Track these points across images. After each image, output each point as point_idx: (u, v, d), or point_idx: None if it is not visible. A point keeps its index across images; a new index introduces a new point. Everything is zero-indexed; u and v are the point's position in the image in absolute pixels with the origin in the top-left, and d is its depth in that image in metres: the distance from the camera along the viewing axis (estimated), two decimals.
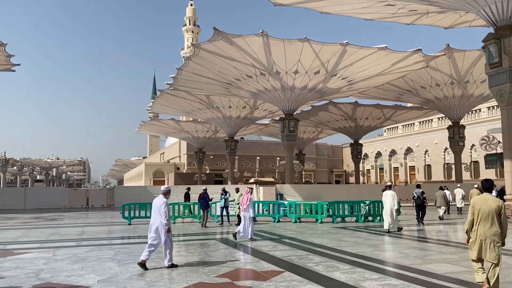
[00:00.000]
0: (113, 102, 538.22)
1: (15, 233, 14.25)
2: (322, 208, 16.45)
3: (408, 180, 60.54)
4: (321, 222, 16.18)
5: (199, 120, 53.04)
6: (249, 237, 11.62)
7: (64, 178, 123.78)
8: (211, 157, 64.23)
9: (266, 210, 17.82)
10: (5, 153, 72.42)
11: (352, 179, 63.58)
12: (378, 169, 67.49)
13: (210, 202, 16.18)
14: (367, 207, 16.56)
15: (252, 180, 62.65)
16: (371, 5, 22.80)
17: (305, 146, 60.58)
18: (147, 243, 7.99)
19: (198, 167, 57.95)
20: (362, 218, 16.54)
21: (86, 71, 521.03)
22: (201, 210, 16.17)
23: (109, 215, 23.03)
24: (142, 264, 7.66)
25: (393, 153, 64.46)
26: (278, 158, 69.35)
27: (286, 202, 17.86)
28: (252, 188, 12.73)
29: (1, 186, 70.08)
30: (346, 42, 26.77)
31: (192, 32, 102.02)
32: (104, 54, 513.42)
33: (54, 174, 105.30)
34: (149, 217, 17.23)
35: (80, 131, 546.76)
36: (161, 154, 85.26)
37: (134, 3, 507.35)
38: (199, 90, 38.14)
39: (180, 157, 68.96)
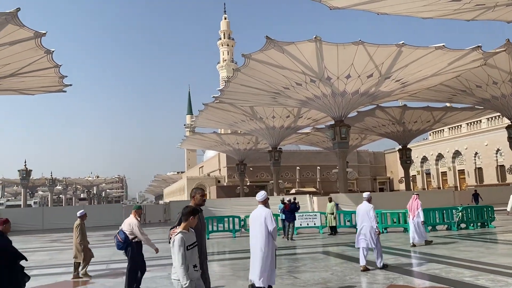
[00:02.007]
0: (146, 119, 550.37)
1: (105, 251, 13.96)
2: None
3: (458, 185, 58.14)
4: None
5: (239, 131, 52.78)
6: (425, 239, 11.83)
7: (103, 195, 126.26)
8: (251, 168, 63.76)
9: (348, 221, 16.92)
10: (51, 173, 74.42)
11: (400, 186, 61.66)
12: (424, 174, 65.17)
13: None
14: (460, 213, 15.44)
15: (293, 191, 61.87)
16: (433, 2, 21.80)
17: (348, 153, 59.22)
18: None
19: (240, 179, 57.47)
20: (456, 226, 15.42)
21: (120, 89, 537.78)
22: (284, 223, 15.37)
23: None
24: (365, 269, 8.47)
25: (440, 157, 62.15)
26: (318, 168, 68.33)
27: None
28: (418, 194, 12.67)
29: (49, 205, 71.94)
30: (402, 43, 25.87)
31: (227, 45, 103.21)
32: (138, 71, 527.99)
33: (95, 192, 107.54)
34: (228, 231, 16.91)
35: (115, 149, 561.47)
36: (199, 168, 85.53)
37: (167, 19, 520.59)
38: (244, 102, 37.81)
39: (220, 170, 68.84)
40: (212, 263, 10.08)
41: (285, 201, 15.49)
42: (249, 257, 11.25)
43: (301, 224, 16.13)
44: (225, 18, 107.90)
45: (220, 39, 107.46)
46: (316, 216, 16.61)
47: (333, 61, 27.77)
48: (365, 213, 8.81)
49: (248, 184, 62.32)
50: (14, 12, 22.37)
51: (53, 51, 27.34)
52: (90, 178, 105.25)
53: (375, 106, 40.54)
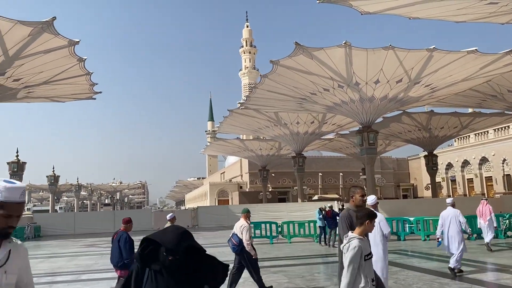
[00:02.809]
0: (168, 126, 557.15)
1: None
2: None
3: (485, 192, 56.80)
4: None
5: (262, 137, 52.78)
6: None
7: (126, 201, 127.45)
8: (273, 174, 63.62)
9: None
10: (78, 179, 75.75)
11: (425, 193, 60.62)
12: (449, 181, 63.90)
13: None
14: (507, 221, 15.04)
15: (315, 197, 61.40)
16: (469, 5, 21.43)
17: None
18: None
19: (263, 185, 57.36)
20: (503, 234, 15.02)
21: (143, 97, 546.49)
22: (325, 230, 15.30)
23: (208, 235, 22.73)
24: (458, 271, 8.76)
25: (465, 163, 60.90)
26: (341, 174, 67.78)
27: (412, 219, 16.64)
28: (487, 199, 12.83)
29: (75, 211, 73.14)
30: (434, 47, 25.56)
31: (249, 53, 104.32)
32: (160, 78, 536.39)
33: (118, 197, 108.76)
34: (265, 237, 16.87)
35: (136, 154, 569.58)
36: (221, 173, 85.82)
37: (189, 28, 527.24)
38: (269, 107, 37.82)
39: (242, 175, 68.90)
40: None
41: (327, 208, 15.40)
42: (298, 264, 11.24)
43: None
44: (247, 26, 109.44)
45: (242, 46, 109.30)
46: None
47: (362, 66, 27.58)
48: (452, 218, 9.09)
49: (270, 190, 62.17)
50: (50, 21, 22.90)
51: (85, 59, 27.83)
52: (113, 184, 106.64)
53: (401, 111, 40.07)
